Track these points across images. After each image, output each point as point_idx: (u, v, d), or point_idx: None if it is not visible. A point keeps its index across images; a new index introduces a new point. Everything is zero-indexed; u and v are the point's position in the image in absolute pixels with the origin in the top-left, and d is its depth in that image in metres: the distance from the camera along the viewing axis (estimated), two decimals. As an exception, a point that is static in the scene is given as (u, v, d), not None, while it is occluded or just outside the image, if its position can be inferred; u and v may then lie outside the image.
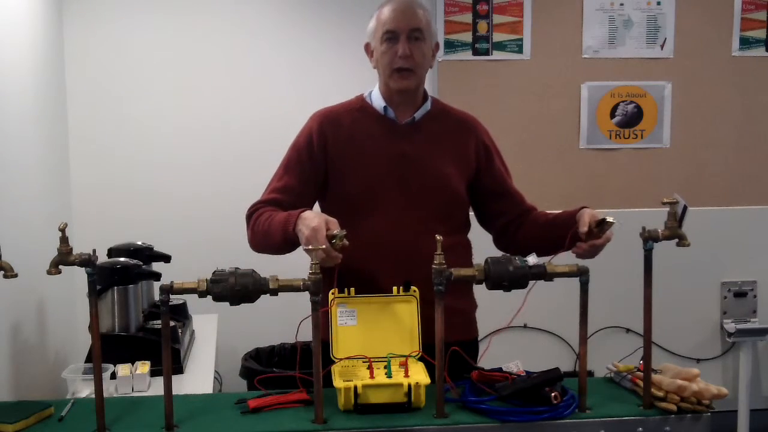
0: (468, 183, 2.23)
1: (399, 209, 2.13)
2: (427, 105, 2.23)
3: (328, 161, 2.17)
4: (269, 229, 2.03)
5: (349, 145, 2.16)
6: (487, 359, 2.09)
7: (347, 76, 3.54)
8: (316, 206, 2.24)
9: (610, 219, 1.90)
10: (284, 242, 1.98)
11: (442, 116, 2.25)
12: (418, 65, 2.14)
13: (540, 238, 2.13)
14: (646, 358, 1.76)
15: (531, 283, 1.72)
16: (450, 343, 1.75)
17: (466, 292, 2.22)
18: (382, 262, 2.07)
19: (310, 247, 1.75)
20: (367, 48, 2.22)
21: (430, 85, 3.57)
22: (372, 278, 2.02)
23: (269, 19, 3.71)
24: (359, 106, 2.23)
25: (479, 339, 2.31)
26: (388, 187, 2.14)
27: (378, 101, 2.21)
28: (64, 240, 1.61)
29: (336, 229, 1.83)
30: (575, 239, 1.96)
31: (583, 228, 1.93)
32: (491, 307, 2.28)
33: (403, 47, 2.11)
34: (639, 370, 1.82)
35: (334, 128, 2.18)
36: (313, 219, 1.88)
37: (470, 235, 2.29)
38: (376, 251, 2.08)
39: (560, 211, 2.15)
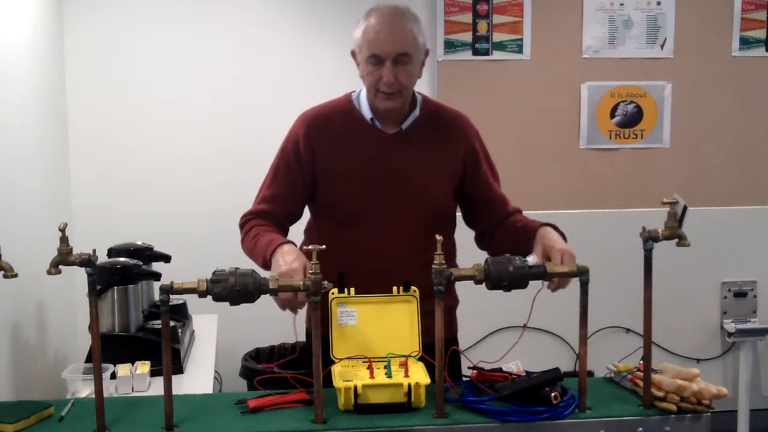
0: (455, 187, 2.21)
1: (384, 221, 2.11)
2: (416, 112, 2.17)
3: (315, 167, 2.14)
4: (253, 250, 2.03)
5: (336, 154, 2.13)
6: (487, 359, 2.09)
7: (347, 72, 3.53)
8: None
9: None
10: (265, 267, 1.96)
11: (431, 120, 2.19)
12: (404, 87, 2.08)
13: (508, 245, 2.07)
14: (646, 358, 1.76)
15: (535, 288, 1.72)
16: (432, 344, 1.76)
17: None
18: (365, 274, 1.98)
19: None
20: (354, 56, 2.14)
21: (429, 85, 3.61)
22: (356, 289, 1.94)
23: (270, 14, 3.70)
24: (347, 110, 2.17)
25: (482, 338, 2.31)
26: (374, 199, 2.11)
27: (366, 109, 2.16)
28: (64, 240, 1.61)
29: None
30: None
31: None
32: (491, 306, 2.28)
33: (387, 75, 2.03)
34: (639, 370, 1.82)
35: (321, 134, 2.14)
36: (292, 261, 1.84)
37: (456, 234, 2.27)
38: (360, 262, 2.04)
39: (531, 219, 2.14)
